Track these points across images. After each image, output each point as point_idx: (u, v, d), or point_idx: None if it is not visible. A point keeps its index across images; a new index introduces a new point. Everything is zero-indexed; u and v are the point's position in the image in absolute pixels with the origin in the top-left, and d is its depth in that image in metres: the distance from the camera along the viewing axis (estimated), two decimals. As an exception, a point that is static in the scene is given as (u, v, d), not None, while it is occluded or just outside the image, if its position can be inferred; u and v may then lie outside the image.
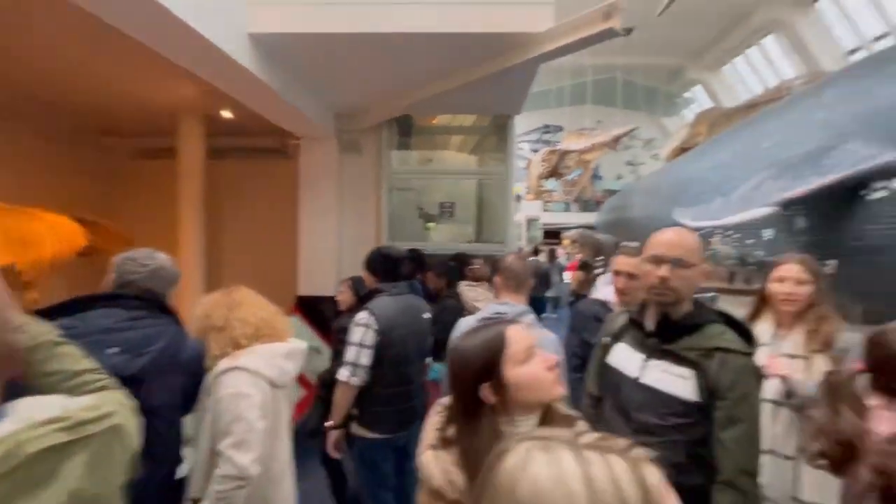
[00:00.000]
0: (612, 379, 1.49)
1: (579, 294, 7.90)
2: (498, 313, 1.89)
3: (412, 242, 3.99)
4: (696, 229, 7.02)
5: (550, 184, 21.70)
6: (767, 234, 5.07)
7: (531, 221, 19.63)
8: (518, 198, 23.92)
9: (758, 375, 1.39)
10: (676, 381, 1.32)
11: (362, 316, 2.13)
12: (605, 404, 1.51)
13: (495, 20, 2.39)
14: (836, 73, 4.70)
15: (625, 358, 1.46)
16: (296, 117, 3.72)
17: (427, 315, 2.24)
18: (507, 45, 2.51)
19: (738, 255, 6.07)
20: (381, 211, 4.19)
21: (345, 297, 2.71)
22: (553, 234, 19.01)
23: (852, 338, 1.69)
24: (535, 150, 21.83)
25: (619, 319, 1.57)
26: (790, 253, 2.23)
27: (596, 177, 28.90)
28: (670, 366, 1.34)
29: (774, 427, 1.82)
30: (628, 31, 21.61)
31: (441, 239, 4.17)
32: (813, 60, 16.15)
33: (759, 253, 5.40)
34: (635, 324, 1.48)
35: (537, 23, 2.42)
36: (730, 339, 1.33)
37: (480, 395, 0.90)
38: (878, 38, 13.88)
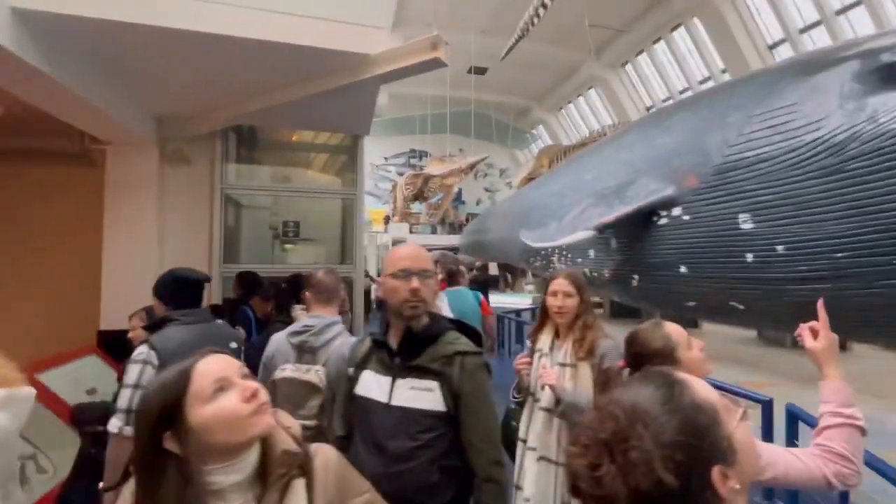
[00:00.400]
0: (362, 410, 1.43)
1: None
2: (306, 326, 1.87)
3: (258, 265, 3.58)
4: (538, 249, 7.88)
5: (416, 206, 22.34)
6: (591, 253, 5.89)
7: (397, 243, 19.87)
8: (386, 219, 24.07)
9: (489, 372, 1.47)
10: (424, 395, 1.34)
11: (140, 351, 1.77)
12: (356, 439, 1.44)
13: (328, 36, 2.31)
14: (634, 122, 5.75)
15: (373, 385, 1.42)
16: (96, 117, 3.08)
17: (235, 344, 1.93)
18: (341, 64, 2.45)
19: (571, 273, 6.97)
20: (214, 229, 3.68)
21: (136, 333, 2.19)
22: (419, 256, 19.34)
23: (606, 344, 1.97)
24: (402, 174, 22.30)
25: (361, 348, 1.53)
26: (563, 269, 2.52)
27: (459, 201, 30.85)
28: (417, 381, 1.36)
29: (548, 435, 1.95)
30: (483, 70, 23.75)
31: (298, 260, 3.83)
32: (623, 111, 19.82)
33: (586, 270, 6.24)
34: (380, 346, 1.46)
35: (371, 44, 2.41)
36: (464, 342, 1.42)
37: (165, 446, 0.75)
38: (665, 100, 17.61)
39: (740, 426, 0.58)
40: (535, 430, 1.99)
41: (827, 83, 2.79)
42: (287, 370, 1.76)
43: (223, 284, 3.67)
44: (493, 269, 14.52)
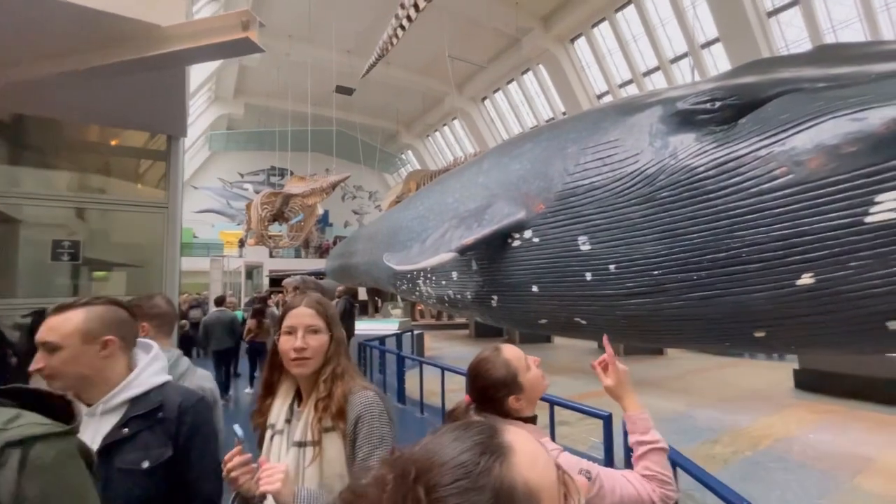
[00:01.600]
0: None
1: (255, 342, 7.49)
2: None
3: (33, 300, 2.64)
4: (401, 273, 7.80)
5: (277, 228, 20.74)
6: (454, 275, 6.00)
7: (253, 268, 18.01)
8: (241, 242, 21.78)
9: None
10: None
11: None
12: None
13: (104, -5, 1.81)
14: (490, 149, 6.11)
15: None
16: None
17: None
18: (127, 34, 1.94)
19: (437, 296, 7.00)
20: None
21: None
22: (280, 282, 17.94)
23: (363, 400, 1.37)
24: (259, 192, 20.55)
25: None
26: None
27: (326, 223, 29.71)
28: None
29: None
30: (349, 91, 23.63)
31: (95, 292, 2.90)
32: (483, 141, 21.49)
33: (450, 293, 6.33)
34: None
35: (163, 14, 1.97)
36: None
37: None
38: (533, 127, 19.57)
39: None
40: None
41: (640, 123, 3.24)
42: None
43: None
44: (363, 294, 14.07)
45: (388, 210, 13.44)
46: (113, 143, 2.70)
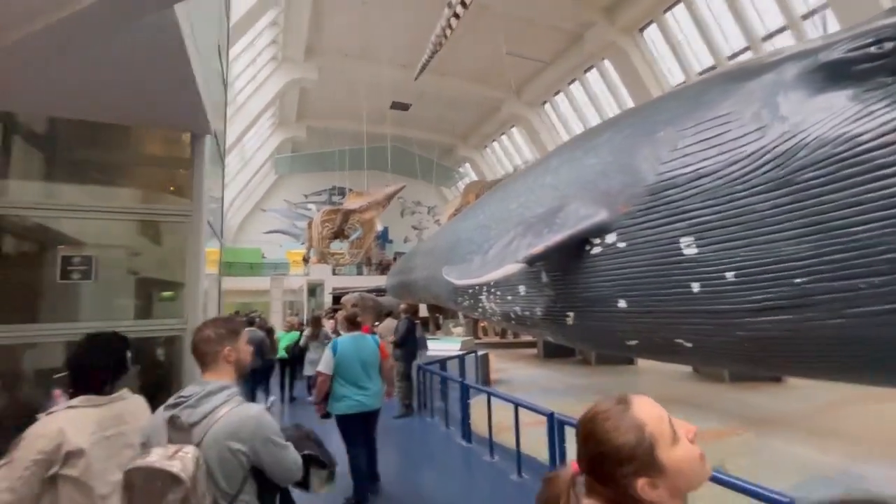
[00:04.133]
0: None
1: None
2: (181, 396, 1.50)
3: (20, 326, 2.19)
4: (462, 288, 7.36)
5: (337, 245, 21.27)
6: (521, 289, 5.45)
7: (316, 286, 18.47)
8: (305, 260, 22.58)
9: None
10: None
11: None
12: None
13: None
14: (558, 146, 5.54)
15: None
16: None
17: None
18: None
19: (502, 312, 6.47)
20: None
21: None
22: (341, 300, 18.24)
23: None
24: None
25: None
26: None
27: (386, 240, 30.20)
28: None
29: None
30: (406, 106, 24.05)
31: (96, 315, 2.33)
32: (545, 148, 20.75)
33: (517, 309, 5.78)
34: None
35: None
36: None
37: None
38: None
39: None
40: None
41: (763, 89, 2.58)
42: (149, 455, 1.36)
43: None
44: (423, 311, 13.82)
45: (446, 223, 13.16)
46: (131, 143, 2.43)
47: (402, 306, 7.17)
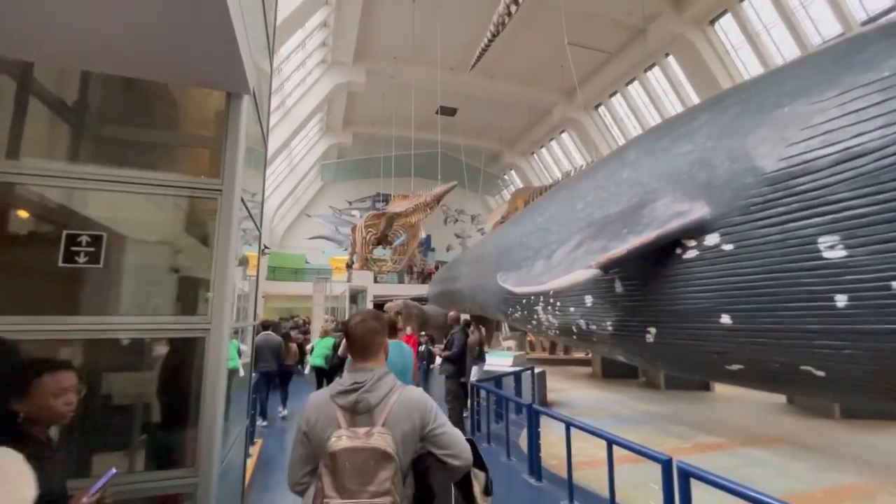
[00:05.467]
0: None
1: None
2: (356, 383, 1.52)
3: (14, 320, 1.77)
4: (519, 296, 6.83)
5: (380, 252, 21.22)
6: (588, 300, 4.89)
7: (358, 293, 18.40)
8: (348, 266, 22.71)
9: None
10: None
11: None
12: None
13: None
14: (633, 138, 4.97)
15: None
16: None
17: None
18: None
19: (561, 325, 5.90)
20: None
21: None
22: (383, 307, 18.09)
23: None
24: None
25: None
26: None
27: (429, 248, 30.00)
28: None
29: None
30: (452, 111, 23.87)
31: (101, 309, 1.92)
32: (598, 153, 19.89)
33: (581, 322, 5.21)
34: None
35: None
36: None
37: None
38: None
39: None
40: None
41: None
42: (343, 438, 1.45)
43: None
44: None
45: (494, 230, 12.68)
46: (155, 105, 1.96)
47: (452, 314, 6.65)
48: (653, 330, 3.90)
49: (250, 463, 4.54)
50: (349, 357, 1.63)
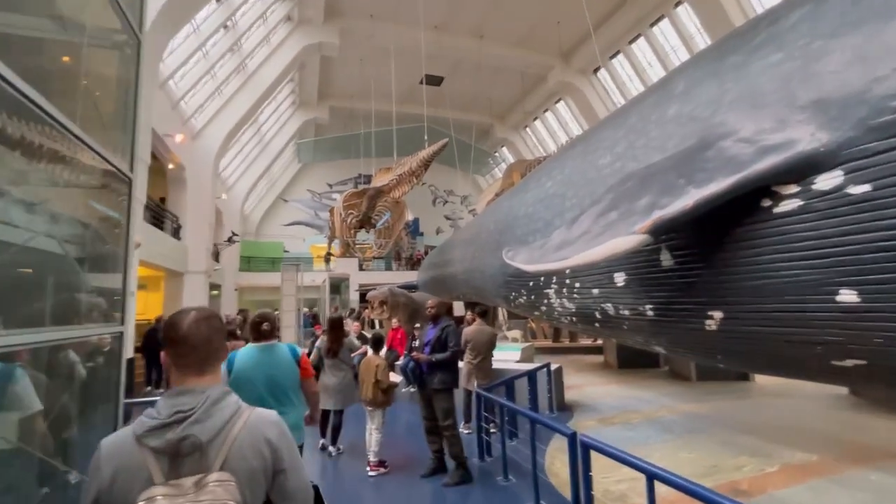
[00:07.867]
0: None
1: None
2: (178, 411, 1.18)
3: None
4: (530, 276, 5.95)
5: (363, 237, 20.21)
6: (620, 279, 4.03)
7: (341, 282, 17.41)
8: (327, 258, 21.68)
9: None
10: None
11: None
12: None
13: None
14: (681, 64, 4.02)
15: None
16: None
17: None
18: None
19: (580, 311, 5.05)
20: None
21: None
22: (370, 297, 17.17)
23: None
24: (344, 197, 20.21)
25: None
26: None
27: (417, 232, 29.06)
28: None
29: None
30: (438, 80, 22.71)
31: None
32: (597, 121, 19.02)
33: (608, 307, 4.37)
34: None
35: None
36: None
37: None
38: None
39: None
40: None
41: None
42: (159, 499, 1.06)
43: None
44: (459, 309, 12.48)
45: (490, 204, 11.78)
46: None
47: (431, 302, 5.45)
48: (717, 314, 3.06)
49: None
50: (177, 375, 1.24)
